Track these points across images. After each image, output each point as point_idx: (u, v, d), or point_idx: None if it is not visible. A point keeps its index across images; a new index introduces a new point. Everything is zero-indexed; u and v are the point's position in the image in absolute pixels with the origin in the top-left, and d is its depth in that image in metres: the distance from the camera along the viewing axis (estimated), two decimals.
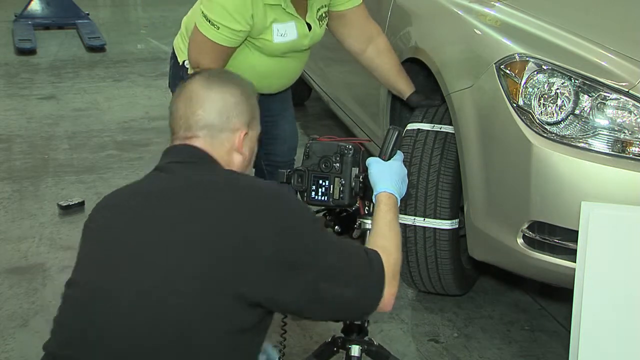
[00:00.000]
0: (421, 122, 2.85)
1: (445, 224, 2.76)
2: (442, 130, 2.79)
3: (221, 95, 1.70)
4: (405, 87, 2.93)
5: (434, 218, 2.76)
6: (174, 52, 2.87)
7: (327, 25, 2.78)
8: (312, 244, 1.58)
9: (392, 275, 1.67)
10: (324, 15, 2.71)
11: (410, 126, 2.85)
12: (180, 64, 2.77)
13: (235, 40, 2.51)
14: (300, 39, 2.66)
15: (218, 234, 1.54)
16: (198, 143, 1.68)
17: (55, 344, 1.62)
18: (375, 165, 1.90)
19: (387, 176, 1.87)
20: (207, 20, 2.47)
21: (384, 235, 1.75)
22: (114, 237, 1.62)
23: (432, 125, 2.82)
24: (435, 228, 2.76)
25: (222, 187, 1.61)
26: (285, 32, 2.59)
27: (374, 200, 1.87)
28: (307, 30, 2.66)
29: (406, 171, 1.94)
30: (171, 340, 1.52)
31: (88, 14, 8.10)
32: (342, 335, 2.01)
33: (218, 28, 2.45)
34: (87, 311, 1.57)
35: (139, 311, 1.53)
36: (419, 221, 2.76)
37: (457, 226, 2.80)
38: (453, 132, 2.73)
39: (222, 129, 1.69)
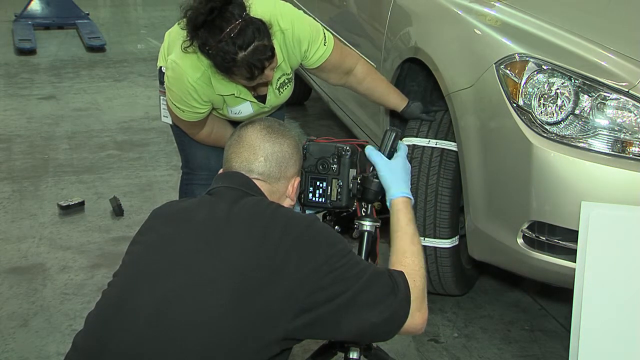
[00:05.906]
0: (416, 136, 2.80)
1: (446, 243, 2.75)
2: (437, 146, 2.75)
3: (279, 147, 1.81)
4: (396, 102, 2.87)
5: (433, 238, 2.75)
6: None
7: (305, 71, 2.74)
8: (341, 277, 1.62)
9: (420, 297, 1.70)
10: (286, 81, 2.65)
11: (405, 141, 2.78)
12: (158, 68, 2.83)
13: (203, 113, 2.59)
14: (257, 111, 2.66)
15: (256, 261, 1.60)
16: (257, 182, 1.79)
17: (82, 334, 1.66)
18: (383, 165, 1.89)
19: (399, 177, 1.88)
20: (172, 104, 2.58)
21: (412, 253, 1.76)
22: (159, 254, 1.68)
23: (428, 140, 2.78)
24: (435, 247, 2.76)
25: (267, 216, 1.67)
26: (240, 111, 2.64)
27: (388, 205, 1.85)
28: (264, 103, 2.64)
29: (410, 166, 1.95)
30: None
31: (88, 14, 8.11)
32: None
33: (183, 111, 2.57)
34: (113, 318, 1.62)
35: (162, 329, 1.56)
36: None
37: (457, 243, 2.78)
38: (450, 148, 2.72)
39: (279, 178, 1.81)
